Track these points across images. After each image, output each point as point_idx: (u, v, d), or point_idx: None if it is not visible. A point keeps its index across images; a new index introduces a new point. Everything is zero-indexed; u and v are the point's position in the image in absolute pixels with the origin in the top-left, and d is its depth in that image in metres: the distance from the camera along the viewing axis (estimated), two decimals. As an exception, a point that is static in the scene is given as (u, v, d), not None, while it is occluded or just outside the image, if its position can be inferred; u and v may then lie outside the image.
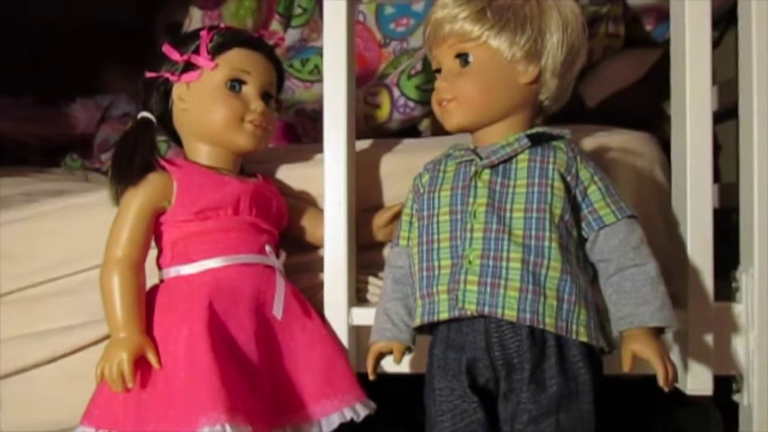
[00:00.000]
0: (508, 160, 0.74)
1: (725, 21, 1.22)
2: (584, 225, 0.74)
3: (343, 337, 0.84)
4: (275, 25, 1.51)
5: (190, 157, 0.86)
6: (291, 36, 1.49)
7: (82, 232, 0.91)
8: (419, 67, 1.14)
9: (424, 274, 0.75)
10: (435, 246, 0.74)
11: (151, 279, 0.80)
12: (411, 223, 0.81)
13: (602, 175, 0.75)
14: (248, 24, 1.49)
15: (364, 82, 1.28)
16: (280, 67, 0.90)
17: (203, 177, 0.81)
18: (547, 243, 0.70)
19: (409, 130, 1.21)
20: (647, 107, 1.19)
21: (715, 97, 1.02)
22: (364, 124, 1.16)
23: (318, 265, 0.88)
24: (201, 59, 0.83)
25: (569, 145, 0.75)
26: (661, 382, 0.68)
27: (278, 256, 0.84)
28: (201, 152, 0.85)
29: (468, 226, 0.72)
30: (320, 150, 0.87)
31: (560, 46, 0.76)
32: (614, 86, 1.18)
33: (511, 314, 0.69)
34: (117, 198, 0.80)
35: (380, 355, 0.79)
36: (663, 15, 1.18)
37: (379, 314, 0.80)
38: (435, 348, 0.74)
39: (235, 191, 0.81)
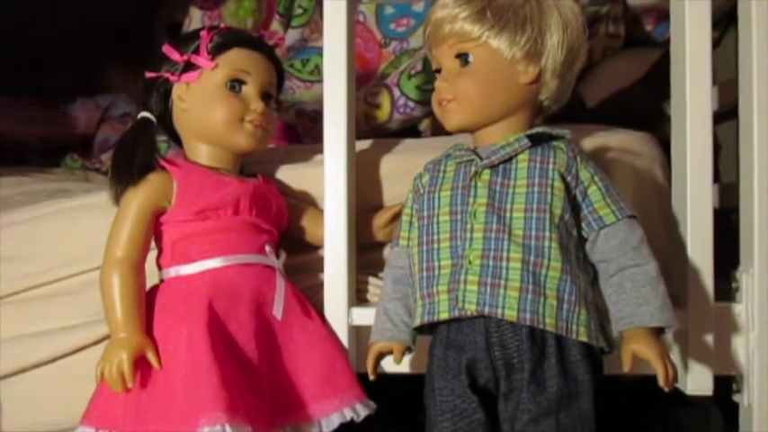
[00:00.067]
0: (508, 160, 0.74)
1: (725, 21, 1.22)
2: (584, 225, 0.74)
3: (343, 337, 0.84)
4: (276, 25, 1.51)
5: (190, 157, 0.86)
6: (292, 36, 1.49)
7: (82, 233, 0.91)
8: (419, 67, 1.14)
9: (424, 274, 0.75)
10: (435, 246, 0.74)
11: (151, 279, 0.80)
12: (411, 223, 0.81)
13: (602, 176, 0.75)
14: (248, 24, 1.49)
15: (364, 82, 1.27)
16: (280, 68, 0.90)
17: (203, 177, 0.81)
18: (547, 243, 0.70)
19: (409, 130, 1.21)
20: (647, 107, 1.19)
21: (715, 97, 1.02)
22: (364, 124, 1.16)
23: (318, 265, 0.88)
24: (201, 59, 0.83)
25: (569, 145, 0.75)
26: (661, 382, 0.68)
27: (278, 256, 0.84)
28: (201, 152, 0.85)
29: (469, 226, 0.72)
30: (320, 151, 0.87)
31: (560, 46, 0.76)
32: (614, 86, 1.18)
33: (511, 314, 0.69)
34: (117, 198, 0.80)
35: (380, 355, 0.79)
36: (663, 15, 1.18)
37: (379, 314, 0.80)
38: (435, 348, 0.74)
39: (235, 191, 0.81)
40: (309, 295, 0.86)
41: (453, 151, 0.79)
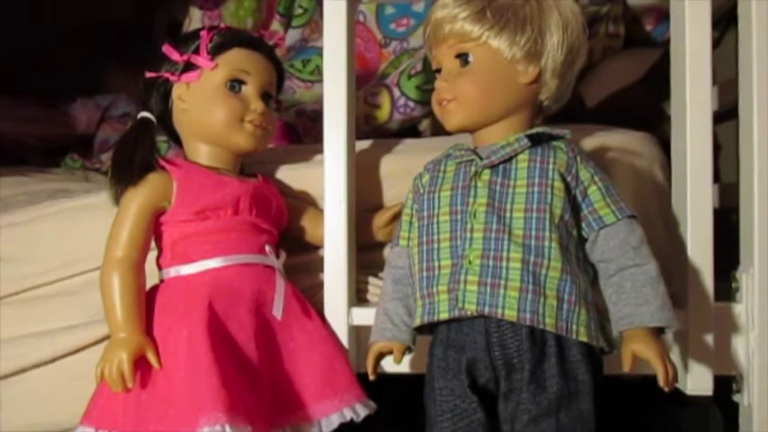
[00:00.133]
0: (508, 160, 0.74)
1: (725, 21, 1.22)
2: (584, 225, 0.74)
3: (343, 337, 0.84)
4: (276, 25, 1.51)
5: (190, 157, 0.86)
6: (292, 36, 1.49)
7: (83, 234, 0.92)
8: (419, 67, 1.14)
9: (424, 274, 0.75)
10: (435, 246, 0.74)
11: (151, 279, 0.80)
12: (411, 223, 0.81)
13: (602, 176, 0.75)
14: (248, 24, 1.49)
15: (365, 82, 1.28)
16: (280, 67, 0.90)
17: (203, 177, 0.81)
18: (547, 243, 0.70)
19: (409, 130, 1.21)
20: (647, 107, 1.19)
21: (715, 97, 1.02)
22: (365, 124, 1.16)
23: (318, 265, 0.88)
24: (201, 59, 0.83)
25: (569, 145, 0.75)
26: (661, 382, 0.68)
27: (278, 256, 0.84)
28: (201, 152, 0.85)
29: (469, 226, 0.72)
30: (320, 151, 0.87)
31: (560, 46, 0.76)
32: (614, 86, 1.18)
33: (511, 314, 0.68)
34: (117, 198, 0.80)
35: (380, 355, 0.79)
36: (663, 15, 1.19)
37: (379, 314, 0.80)
38: (435, 348, 0.74)
39: (235, 191, 0.81)
40: (309, 295, 0.86)
41: (453, 151, 0.79)
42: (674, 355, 0.80)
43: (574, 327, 0.69)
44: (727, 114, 1.00)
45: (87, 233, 0.90)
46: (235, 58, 0.84)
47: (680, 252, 0.83)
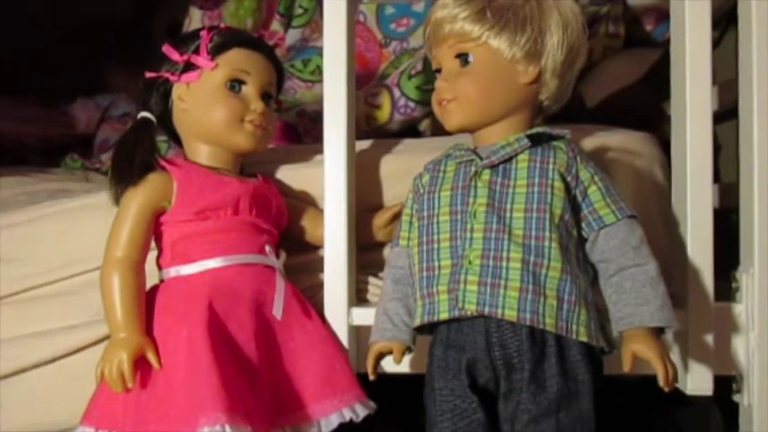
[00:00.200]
0: (508, 160, 0.74)
1: (725, 21, 1.22)
2: (584, 225, 0.74)
3: (343, 337, 0.84)
4: (276, 25, 1.51)
5: (190, 157, 0.86)
6: (292, 36, 1.49)
7: (83, 234, 0.92)
8: (419, 67, 1.14)
9: (424, 274, 0.75)
10: (435, 246, 0.74)
11: (151, 279, 0.80)
12: (411, 223, 0.81)
13: (602, 176, 0.75)
14: (248, 24, 1.49)
15: (365, 82, 1.28)
16: (280, 67, 0.90)
17: (203, 177, 0.81)
18: (547, 243, 0.70)
19: (409, 130, 1.21)
20: (647, 107, 1.19)
21: (715, 97, 1.02)
22: (365, 125, 1.16)
23: (318, 265, 0.88)
24: (201, 59, 0.83)
25: (569, 145, 0.75)
26: (661, 382, 0.68)
27: (278, 256, 0.84)
28: (201, 152, 0.85)
29: (469, 226, 0.72)
30: (320, 151, 0.87)
31: (560, 46, 0.76)
32: (614, 86, 1.18)
33: (511, 314, 0.68)
34: (117, 198, 0.80)
35: (380, 356, 0.79)
36: (663, 15, 1.18)
37: (379, 314, 0.80)
38: (435, 348, 0.74)
39: (235, 191, 0.81)
40: (309, 295, 0.86)
41: (453, 151, 0.79)
42: (674, 355, 0.80)
43: (574, 327, 0.69)
44: (727, 114, 1.00)
45: (87, 233, 0.90)
46: (235, 58, 0.84)
47: (680, 252, 0.83)
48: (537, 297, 0.69)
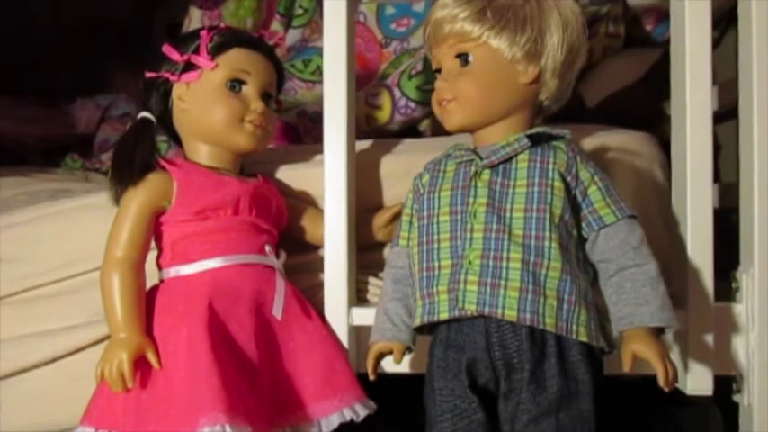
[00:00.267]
0: (508, 160, 0.74)
1: (725, 21, 1.22)
2: (584, 225, 0.74)
3: (343, 337, 0.84)
4: (276, 25, 1.51)
5: (190, 157, 0.86)
6: (293, 36, 1.49)
7: (83, 234, 0.92)
8: (420, 67, 1.14)
9: (424, 274, 0.75)
10: (435, 246, 0.74)
11: (151, 279, 0.80)
12: (411, 223, 0.81)
13: (602, 176, 0.75)
14: (248, 24, 1.49)
15: (365, 82, 1.28)
16: (280, 67, 0.90)
17: (203, 177, 0.81)
18: (547, 243, 0.70)
19: (409, 130, 1.21)
20: (647, 107, 1.19)
21: (715, 97, 1.02)
22: (366, 125, 1.16)
23: (318, 265, 0.88)
24: (201, 59, 0.83)
25: (569, 145, 0.75)
26: (661, 382, 0.68)
27: (278, 256, 0.84)
28: (201, 152, 0.85)
29: (469, 226, 0.72)
30: (320, 151, 0.87)
31: (560, 46, 0.76)
32: (614, 86, 1.18)
33: (511, 314, 0.68)
34: (117, 198, 0.80)
35: (380, 356, 0.79)
36: (663, 15, 1.18)
37: (379, 314, 0.80)
38: (435, 348, 0.74)
39: (235, 191, 0.81)
40: (309, 295, 0.86)
41: (453, 151, 0.79)
42: (674, 355, 0.80)
43: (574, 327, 0.69)
44: (727, 114, 1.00)
45: (87, 233, 0.90)
46: (235, 58, 0.84)
47: (680, 252, 0.83)
48: (537, 297, 0.69)
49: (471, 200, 0.73)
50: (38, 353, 0.90)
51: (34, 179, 1.27)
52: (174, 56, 0.84)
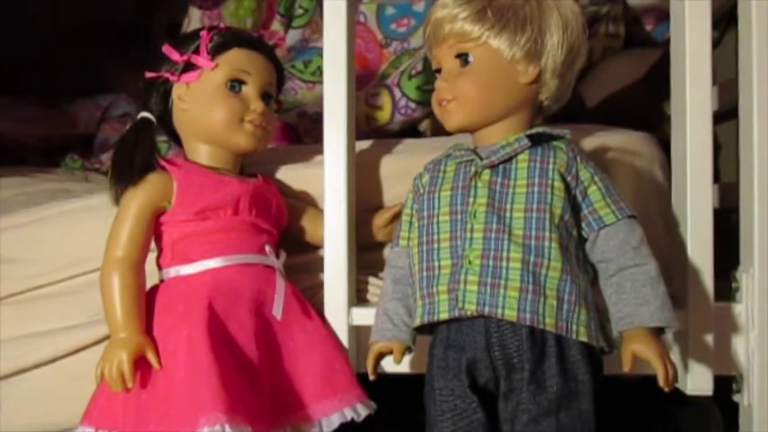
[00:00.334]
0: (508, 160, 0.74)
1: (725, 21, 1.22)
2: (584, 225, 0.74)
3: (343, 337, 0.84)
4: (276, 26, 1.51)
5: (190, 157, 0.86)
6: (293, 36, 1.49)
7: (84, 235, 0.92)
8: (420, 67, 1.14)
9: (424, 274, 0.75)
10: (435, 246, 0.74)
11: (151, 279, 0.80)
12: (411, 223, 0.81)
13: (602, 176, 0.75)
14: (248, 24, 1.49)
15: (365, 82, 1.28)
16: (280, 68, 0.90)
17: (203, 177, 0.81)
18: (547, 243, 0.70)
19: (409, 130, 1.21)
20: (647, 107, 1.19)
21: (715, 97, 1.02)
22: (366, 125, 1.16)
23: (318, 265, 0.88)
24: (201, 60, 0.83)
25: (569, 145, 0.75)
26: (661, 382, 0.68)
27: (278, 256, 0.84)
28: (201, 152, 0.85)
29: (469, 226, 0.72)
30: (320, 151, 0.87)
31: (560, 46, 0.76)
32: (614, 86, 1.18)
33: (511, 314, 0.69)
34: (117, 198, 0.80)
35: (380, 356, 0.79)
36: (663, 15, 1.19)
37: (379, 314, 0.80)
38: (435, 348, 0.74)
39: (234, 191, 0.81)
40: (309, 295, 0.86)
41: (453, 151, 0.79)
42: (674, 355, 0.80)
43: (574, 327, 0.69)
44: (727, 114, 1.00)
45: (89, 234, 0.90)
46: (235, 58, 0.84)
47: (680, 252, 0.83)
48: (537, 297, 0.69)
49: (471, 200, 0.73)
50: (38, 353, 0.90)
51: (34, 179, 1.27)
52: (174, 56, 0.84)
